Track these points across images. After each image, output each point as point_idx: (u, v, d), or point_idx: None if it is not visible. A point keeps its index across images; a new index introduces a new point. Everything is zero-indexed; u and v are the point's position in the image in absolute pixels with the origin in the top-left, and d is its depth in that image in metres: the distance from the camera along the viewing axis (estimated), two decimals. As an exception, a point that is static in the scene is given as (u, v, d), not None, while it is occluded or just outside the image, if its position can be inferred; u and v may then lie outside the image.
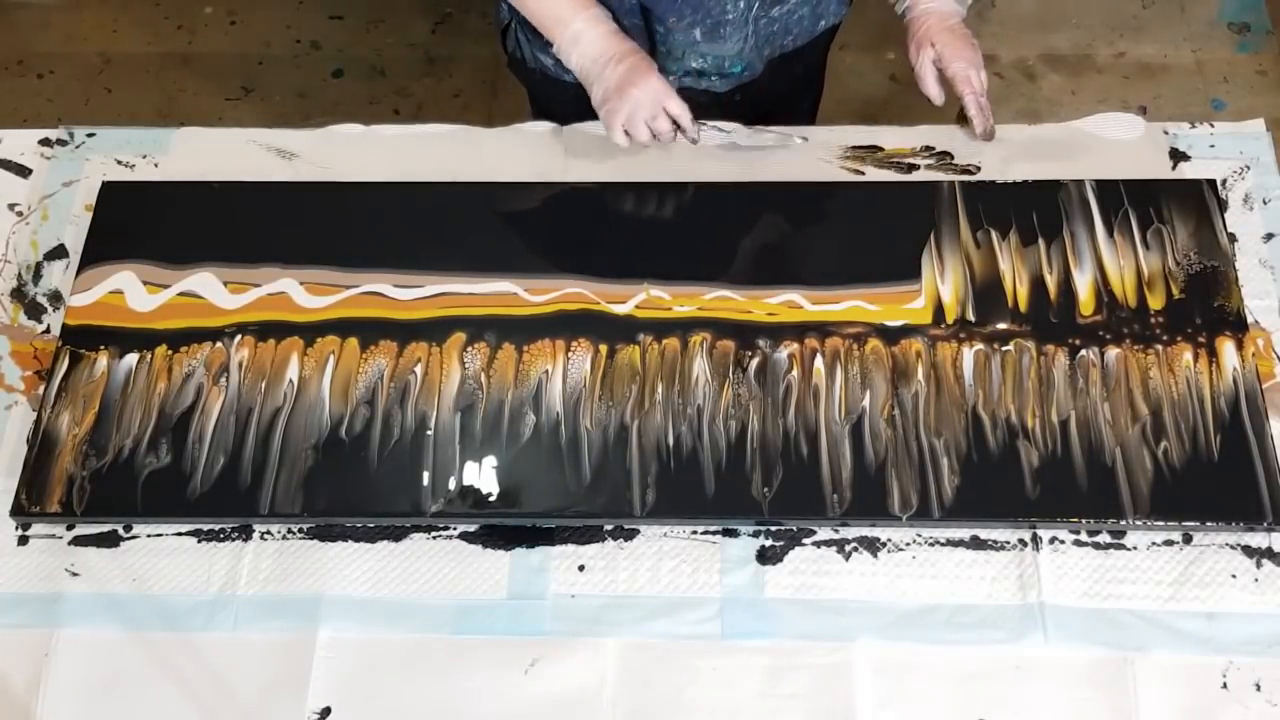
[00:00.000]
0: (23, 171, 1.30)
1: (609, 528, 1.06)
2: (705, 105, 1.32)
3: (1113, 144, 1.27)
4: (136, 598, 1.04)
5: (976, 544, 1.04)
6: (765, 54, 1.33)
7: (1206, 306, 1.13)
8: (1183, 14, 2.47)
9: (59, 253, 1.24)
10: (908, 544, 1.04)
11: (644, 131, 1.19)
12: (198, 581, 1.05)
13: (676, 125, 1.20)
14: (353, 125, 1.33)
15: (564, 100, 1.28)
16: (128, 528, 1.07)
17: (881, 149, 1.27)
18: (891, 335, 1.12)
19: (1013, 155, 1.26)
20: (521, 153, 1.29)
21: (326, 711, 0.99)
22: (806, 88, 1.51)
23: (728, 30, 1.25)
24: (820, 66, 1.50)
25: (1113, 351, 1.11)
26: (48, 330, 1.19)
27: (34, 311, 1.21)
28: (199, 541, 1.07)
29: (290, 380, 1.12)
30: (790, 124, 1.32)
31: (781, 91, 1.39)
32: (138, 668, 1.01)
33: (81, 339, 1.15)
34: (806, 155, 1.27)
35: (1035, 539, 1.04)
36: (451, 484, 1.06)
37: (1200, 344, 1.11)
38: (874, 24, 2.26)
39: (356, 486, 1.07)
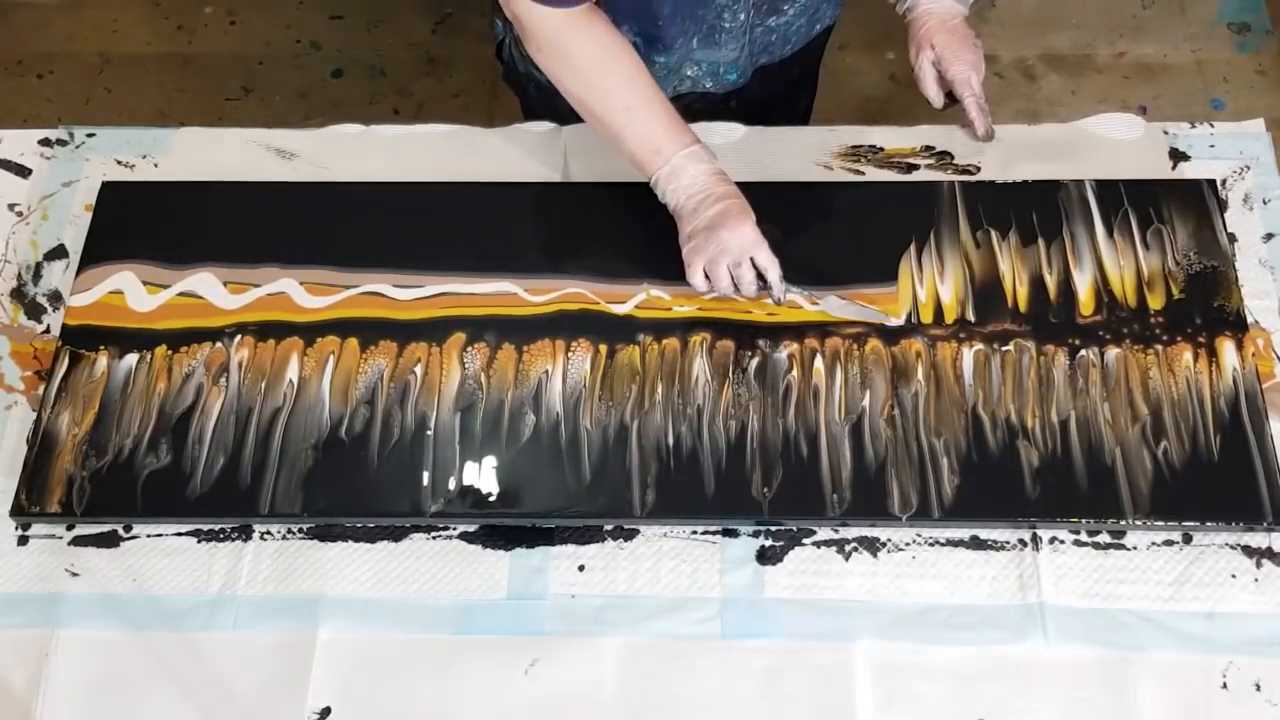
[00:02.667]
0: (23, 171, 1.30)
1: (609, 528, 1.06)
2: (700, 110, 1.32)
3: (1113, 144, 1.27)
4: (136, 598, 1.04)
5: (976, 544, 1.04)
6: (763, 61, 1.32)
7: (1206, 306, 1.13)
8: (1183, 14, 2.47)
9: (59, 253, 1.24)
10: (908, 544, 1.04)
11: (725, 277, 1.11)
12: (198, 581, 1.05)
13: (763, 280, 1.12)
14: (353, 125, 1.33)
15: (559, 112, 1.28)
16: (128, 528, 1.07)
17: (881, 149, 1.28)
18: (891, 335, 1.12)
19: (1013, 155, 1.26)
20: (521, 153, 1.29)
21: (326, 711, 0.99)
22: (802, 87, 1.51)
23: (724, 39, 1.25)
24: (814, 66, 1.50)
25: (1113, 351, 1.11)
26: (48, 330, 1.19)
27: (34, 311, 1.21)
28: (199, 541, 1.07)
29: (290, 380, 1.12)
30: (785, 123, 1.32)
31: (776, 94, 1.39)
32: (138, 668, 1.01)
33: (81, 339, 1.15)
34: (806, 155, 1.27)
35: (1035, 539, 1.04)
36: (451, 484, 1.06)
37: (1200, 344, 1.11)
38: (874, 24, 2.26)
39: (356, 486, 1.07)
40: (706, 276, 1.12)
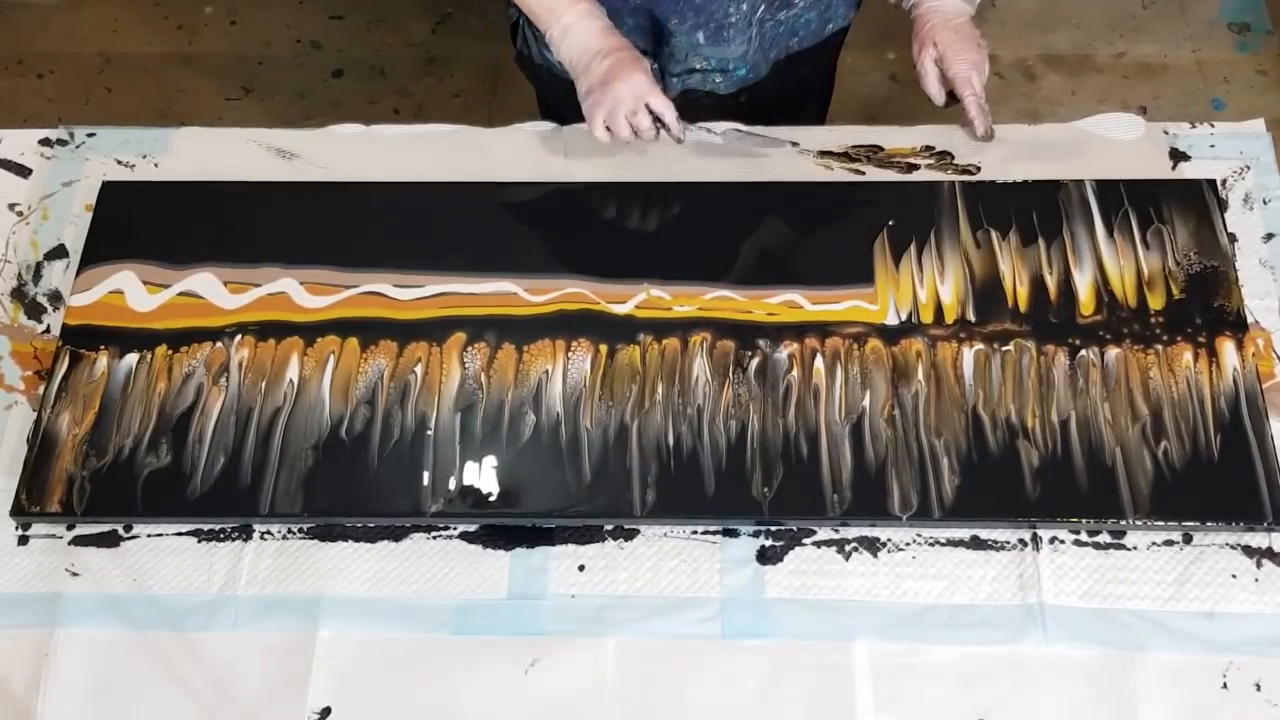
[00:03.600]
0: (23, 171, 1.30)
1: (609, 528, 1.06)
2: (709, 107, 1.32)
3: (1113, 144, 1.27)
4: (136, 598, 1.04)
5: (976, 544, 1.04)
6: (772, 56, 1.32)
7: (1206, 306, 1.13)
8: (1183, 14, 2.47)
9: (59, 253, 1.24)
10: (908, 544, 1.04)
11: (624, 127, 1.17)
12: (198, 581, 1.05)
13: (660, 123, 1.18)
14: (353, 125, 1.33)
15: (570, 98, 1.28)
16: (128, 528, 1.07)
17: (881, 149, 1.27)
18: (892, 335, 1.12)
19: (1013, 155, 1.26)
20: (521, 153, 1.29)
21: (326, 711, 0.99)
22: (814, 91, 1.51)
23: (731, 33, 1.25)
24: (829, 70, 1.50)
25: (1113, 351, 1.11)
26: (48, 330, 1.19)
27: (34, 311, 1.21)
28: (199, 541, 1.07)
29: (290, 380, 1.12)
30: (798, 125, 1.32)
31: (788, 94, 1.39)
32: (138, 668, 1.01)
33: (81, 339, 1.15)
34: (806, 155, 1.27)
35: (1035, 539, 1.04)
36: (451, 484, 1.06)
37: (1200, 344, 1.11)
38: (874, 24, 2.25)
39: (356, 486, 1.07)
40: (609, 130, 1.17)
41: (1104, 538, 1.04)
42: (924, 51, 1.25)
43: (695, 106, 1.32)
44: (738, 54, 1.28)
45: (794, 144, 1.23)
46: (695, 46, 1.27)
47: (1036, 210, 1.20)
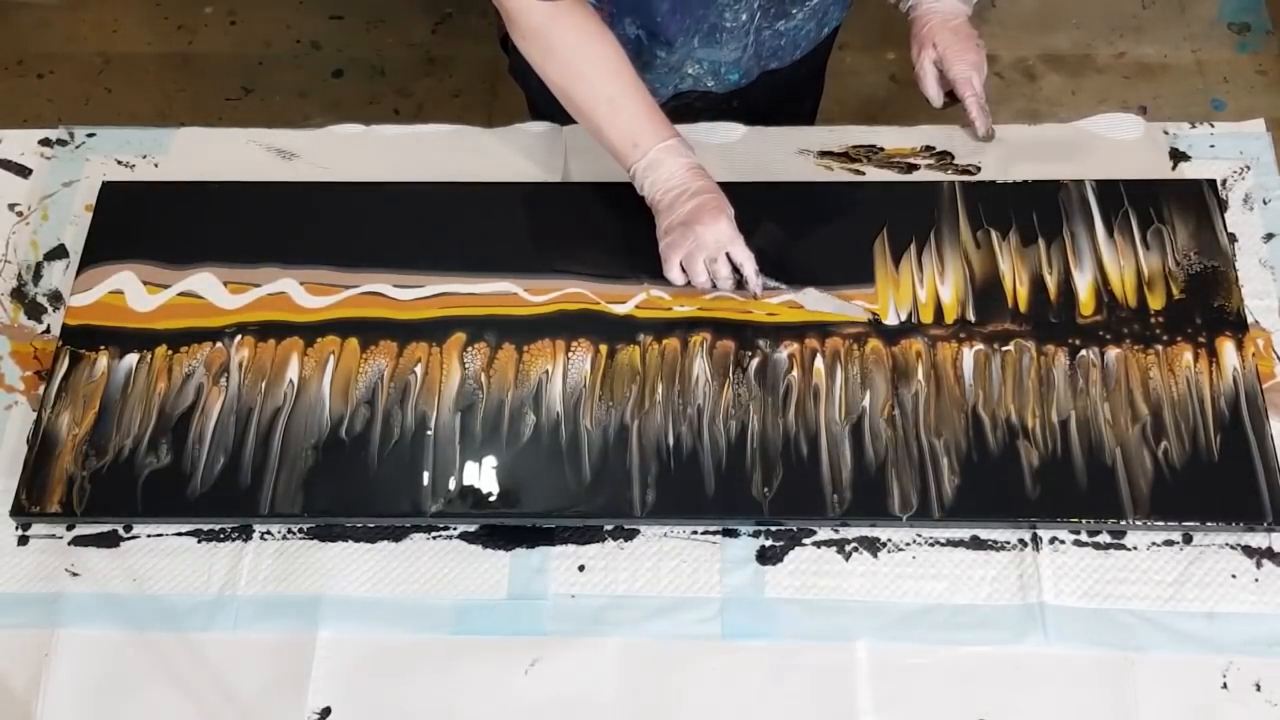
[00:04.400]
0: (23, 171, 1.30)
1: (609, 528, 1.06)
2: (702, 109, 1.32)
3: (1113, 144, 1.27)
4: (136, 598, 1.04)
5: (976, 544, 1.04)
6: (773, 65, 1.32)
7: (1206, 306, 1.13)
8: (1183, 14, 2.47)
9: (59, 253, 1.24)
10: (908, 544, 1.04)
11: (702, 273, 1.12)
12: (198, 581, 1.05)
13: (739, 274, 1.13)
14: (353, 125, 1.33)
15: (561, 107, 1.28)
16: (128, 528, 1.07)
17: (881, 149, 1.28)
18: (891, 335, 1.12)
19: (1013, 155, 1.26)
20: (521, 153, 1.29)
21: (326, 711, 0.99)
22: (806, 91, 1.51)
23: (725, 38, 1.25)
24: (820, 69, 1.50)
25: (1113, 351, 1.11)
26: (48, 330, 1.19)
27: (34, 311, 1.21)
28: (199, 541, 1.07)
29: (290, 380, 1.12)
30: (791, 124, 1.32)
31: (780, 95, 1.39)
32: (138, 668, 1.01)
33: (81, 339, 1.15)
34: (807, 155, 1.27)
35: (1035, 539, 1.04)
36: (451, 484, 1.06)
37: (1200, 344, 1.11)
38: (874, 24, 2.26)
39: (356, 486, 1.07)
40: (683, 270, 1.13)
41: (1104, 538, 1.04)
42: (923, 52, 1.25)
43: (688, 109, 1.32)
44: (731, 58, 1.28)
45: (873, 317, 1.13)
46: (690, 50, 1.27)
47: (1036, 210, 1.20)
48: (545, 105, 1.35)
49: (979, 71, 1.24)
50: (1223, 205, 1.20)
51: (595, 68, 1.14)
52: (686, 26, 1.23)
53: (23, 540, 1.07)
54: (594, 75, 1.14)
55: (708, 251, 1.11)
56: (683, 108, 1.32)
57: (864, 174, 1.26)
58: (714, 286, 1.14)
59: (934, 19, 1.25)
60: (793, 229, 1.21)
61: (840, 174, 1.26)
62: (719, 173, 1.23)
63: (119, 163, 1.31)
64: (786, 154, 1.27)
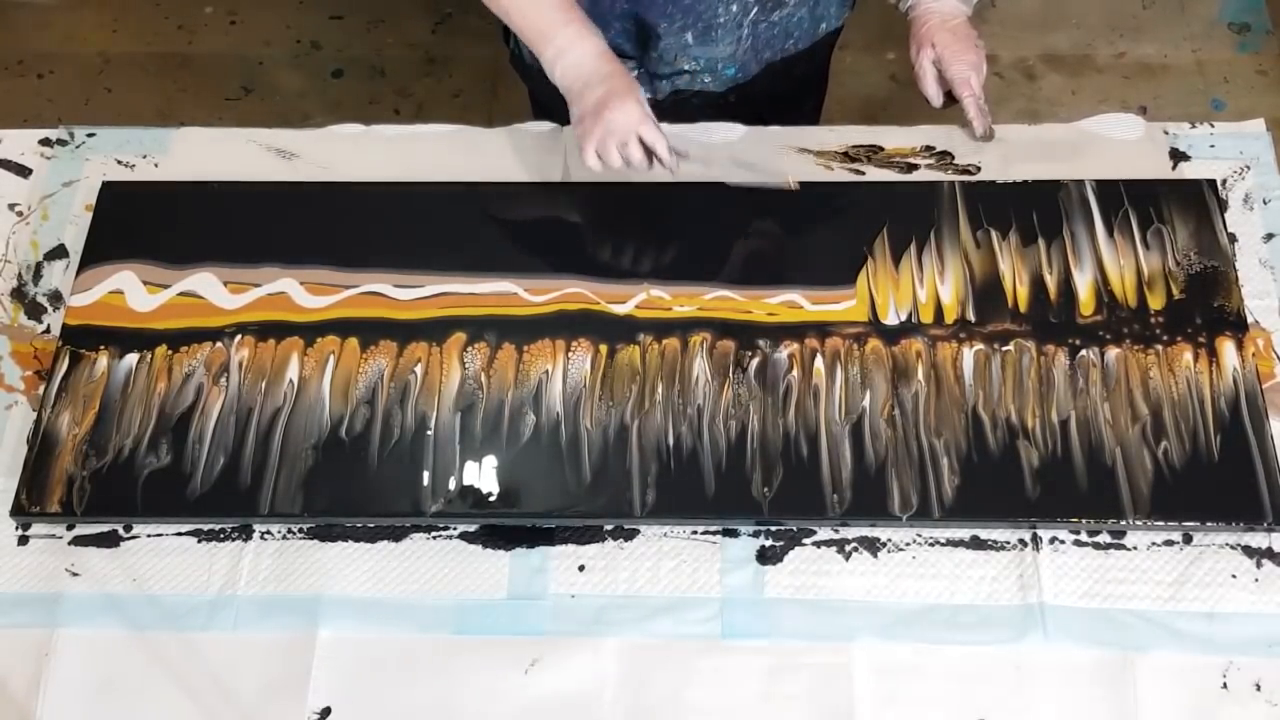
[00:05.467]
0: (23, 171, 1.30)
1: (609, 528, 1.06)
2: (699, 107, 1.32)
3: (1113, 144, 1.27)
4: (136, 598, 1.04)
5: (976, 544, 1.04)
6: (765, 57, 1.32)
7: (1206, 306, 1.13)
8: (1183, 14, 2.47)
9: (59, 253, 1.24)
10: (908, 544, 1.04)
11: (615, 157, 1.13)
12: (198, 581, 1.05)
13: (652, 153, 1.15)
14: (353, 125, 1.33)
15: (562, 99, 1.28)
16: (128, 528, 1.07)
17: (881, 149, 1.27)
18: (891, 335, 1.12)
19: (1013, 155, 1.26)
20: (521, 153, 1.29)
21: (326, 711, 0.99)
22: (807, 90, 1.51)
23: (719, 33, 1.25)
24: (822, 69, 1.50)
25: (1113, 351, 1.11)
26: (48, 330, 1.19)
27: (34, 311, 1.21)
28: (199, 541, 1.07)
29: (290, 380, 1.12)
30: (791, 126, 1.32)
31: (780, 93, 1.39)
32: (138, 668, 1.01)
33: (81, 339, 1.15)
34: (806, 155, 1.27)
35: (1035, 539, 1.04)
36: (451, 484, 1.06)
37: (1200, 344, 1.11)
38: (874, 24, 2.26)
39: (356, 486, 1.07)
40: (599, 157, 1.14)
41: (1104, 538, 1.04)
42: (922, 52, 1.25)
43: (685, 107, 1.32)
44: (726, 54, 1.28)
45: (798, 185, 1.18)
46: (684, 47, 1.27)
47: (1036, 210, 1.20)
48: (547, 101, 1.35)
49: (977, 72, 1.24)
50: (1223, 205, 1.20)
51: None
52: (676, 21, 1.23)
53: (23, 540, 1.07)
54: None
55: (618, 136, 1.12)
56: (681, 103, 1.32)
57: (864, 174, 1.26)
58: (629, 166, 1.14)
59: (933, 19, 1.25)
60: (793, 229, 1.21)
61: (840, 174, 1.26)
62: (718, 173, 1.23)
63: (119, 163, 1.31)
64: (786, 154, 1.27)
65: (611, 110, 1.12)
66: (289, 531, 1.07)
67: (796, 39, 1.32)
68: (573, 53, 1.14)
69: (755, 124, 1.29)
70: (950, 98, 1.27)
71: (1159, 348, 1.11)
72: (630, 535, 1.06)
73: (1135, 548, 1.03)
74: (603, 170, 1.15)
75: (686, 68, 1.30)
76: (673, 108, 1.31)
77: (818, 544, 1.05)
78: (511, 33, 1.39)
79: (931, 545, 1.04)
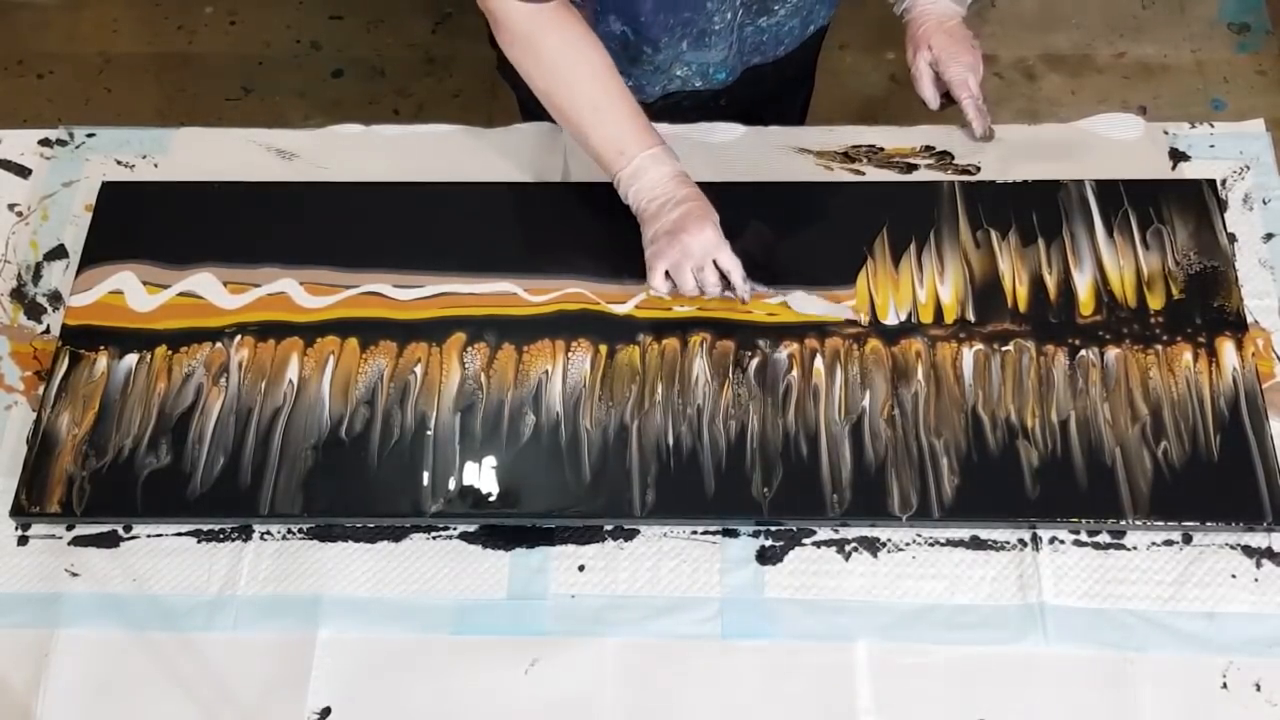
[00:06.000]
0: (23, 171, 1.30)
1: (609, 528, 1.06)
2: (690, 108, 1.32)
3: (1113, 144, 1.27)
4: (136, 598, 1.04)
5: (976, 544, 1.04)
6: (755, 61, 1.32)
7: (1206, 306, 1.13)
8: (1183, 14, 2.47)
9: (59, 253, 1.24)
10: (908, 544, 1.04)
11: (690, 281, 1.11)
12: (198, 582, 1.05)
13: (726, 281, 1.12)
14: (353, 125, 1.33)
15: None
16: (128, 528, 1.07)
17: (881, 149, 1.27)
18: (891, 335, 1.12)
19: (1013, 155, 1.26)
20: (521, 153, 1.29)
21: (326, 711, 0.99)
22: (797, 87, 1.51)
23: (713, 39, 1.25)
24: (810, 65, 1.50)
25: (1112, 351, 1.11)
26: (48, 330, 1.19)
27: (34, 311, 1.21)
28: (199, 542, 1.07)
29: (290, 380, 1.12)
30: (781, 123, 1.32)
31: (769, 93, 1.38)
32: (138, 668, 1.01)
33: (81, 339, 1.15)
34: (806, 155, 1.27)
35: (1035, 539, 1.04)
36: (451, 484, 1.06)
37: (1200, 344, 1.11)
38: (874, 24, 2.26)
39: (356, 486, 1.07)
40: (669, 277, 1.12)
41: (1104, 538, 1.04)
42: (918, 54, 1.25)
43: (676, 109, 1.32)
44: (718, 59, 1.28)
45: (859, 319, 1.14)
46: (679, 55, 1.27)
47: (1036, 210, 1.20)
48: (536, 106, 1.35)
49: (975, 73, 1.24)
50: (1222, 205, 1.20)
51: (580, 73, 1.14)
52: (671, 27, 1.22)
53: (23, 540, 1.07)
54: (579, 80, 1.14)
55: (694, 260, 1.11)
56: (671, 106, 1.32)
57: (864, 174, 1.26)
58: (701, 294, 1.13)
59: (929, 21, 1.25)
60: (792, 229, 1.21)
61: (840, 174, 1.26)
62: (717, 173, 1.23)
63: (119, 163, 1.31)
64: (786, 154, 1.27)
65: (690, 234, 1.10)
66: (289, 532, 1.07)
67: (787, 45, 1.32)
68: (651, 174, 1.12)
69: (743, 122, 1.29)
70: (948, 99, 1.27)
71: (1159, 348, 1.11)
72: (630, 535, 1.06)
73: (1135, 548, 1.03)
74: (671, 293, 1.13)
75: (680, 72, 1.30)
76: (664, 110, 1.31)
77: (818, 544, 1.05)
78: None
79: (931, 545, 1.04)
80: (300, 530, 1.07)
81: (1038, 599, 1.01)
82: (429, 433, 1.09)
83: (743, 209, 1.21)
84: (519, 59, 1.15)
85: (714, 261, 1.11)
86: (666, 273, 1.12)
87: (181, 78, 2.45)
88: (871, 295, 1.15)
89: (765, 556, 1.04)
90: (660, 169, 1.12)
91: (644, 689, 1.00)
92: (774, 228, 1.20)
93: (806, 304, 1.14)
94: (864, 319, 1.14)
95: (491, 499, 1.06)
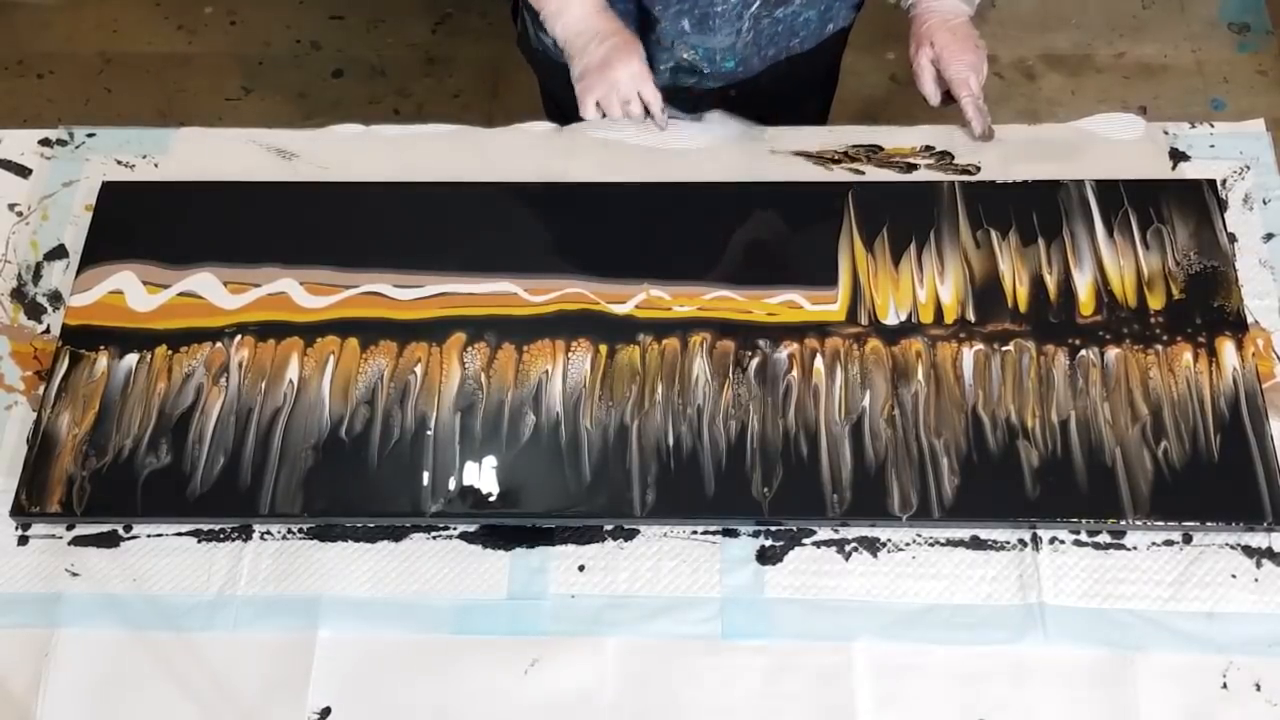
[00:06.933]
0: (23, 171, 1.30)
1: (609, 528, 1.06)
2: (699, 97, 1.32)
3: (1113, 144, 1.27)
4: (136, 598, 1.04)
5: (976, 544, 1.04)
6: (770, 54, 1.32)
7: (1206, 306, 1.13)
8: (1183, 14, 2.47)
9: (59, 253, 1.24)
10: (908, 544, 1.04)
11: (618, 109, 1.21)
12: (198, 581, 1.05)
13: (647, 110, 1.22)
14: (353, 125, 1.33)
15: (565, 81, 1.28)
16: (128, 528, 1.07)
17: (881, 149, 1.27)
18: (891, 335, 1.12)
19: (1013, 155, 1.26)
20: (521, 153, 1.29)
21: (326, 711, 0.99)
22: (814, 90, 1.50)
23: (717, 23, 1.25)
24: (831, 70, 1.49)
25: (1113, 351, 1.11)
26: (48, 330, 1.19)
27: (34, 311, 1.21)
28: (199, 541, 1.07)
29: (290, 380, 1.12)
30: (794, 124, 1.32)
31: (785, 93, 1.38)
32: (138, 668, 1.01)
33: (81, 339, 1.15)
34: (806, 155, 1.27)
35: (1035, 539, 1.04)
36: (451, 484, 1.06)
37: (1200, 344, 1.11)
38: (874, 24, 2.25)
39: (356, 486, 1.07)
40: (598, 108, 1.21)
41: (1104, 538, 1.04)
42: (921, 51, 1.25)
43: (683, 96, 1.32)
44: (725, 45, 1.28)
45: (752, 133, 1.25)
46: (681, 34, 1.27)
47: (1036, 210, 1.20)
48: (547, 80, 1.37)
49: (976, 72, 1.24)
50: (1222, 205, 1.20)
51: None
52: (672, 5, 1.24)
53: (23, 540, 1.07)
54: None
55: (621, 92, 1.20)
56: (678, 94, 1.32)
57: (864, 174, 1.26)
58: (626, 119, 1.23)
59: (933, 18, 1.25)
60: (791, 229, 1.21)
61: (840, 174, 1.26)
62: (717, 173, 1.24)
63: (119, 163, 1.31)
64: (786, 154, 1.27)
65: (616, 67, 1.19)
66: (289, 532, 1.07)
67: (803, 38, 1.32)
68: (575, 9, 1.19)
69: (755, 119, 1.29)
70: (949, 97, 1.27)
71: (1159, 348, 1.11)
72: (630, 535, 1.06)
73: (1135, 548, 1.03)
74: (600, 120, 1.22)
75: (685, 56, 1.30)
76: (670, 97, 1.31)
77: (818, 544, 1.05)
78: (519, 14, 1.38)
79: (931, 545, 1.04)
80: (300, 530, 1.07)
81: (1038, 599, 1.01)
82: (429, 433, 1.09)
83: (742, 209, 1.21)
84: None
85: (639, 93, 1.21)
86: (597, 104, 1.21)
87: (181, 78, 2.45)
88: (872, 295, 1.15)
89: (765, 556, 1.04)
90: (582, 3, 1.20)
91: (644, 689, 0.99)
92: (772, 228, 1.20)
93: (723, 124, 1.24)
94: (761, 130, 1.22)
95: (491, 499, 1.06)
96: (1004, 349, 1.11)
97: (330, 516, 1.07)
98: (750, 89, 1.34)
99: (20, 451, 1.10)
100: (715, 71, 1.32)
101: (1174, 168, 1.25)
